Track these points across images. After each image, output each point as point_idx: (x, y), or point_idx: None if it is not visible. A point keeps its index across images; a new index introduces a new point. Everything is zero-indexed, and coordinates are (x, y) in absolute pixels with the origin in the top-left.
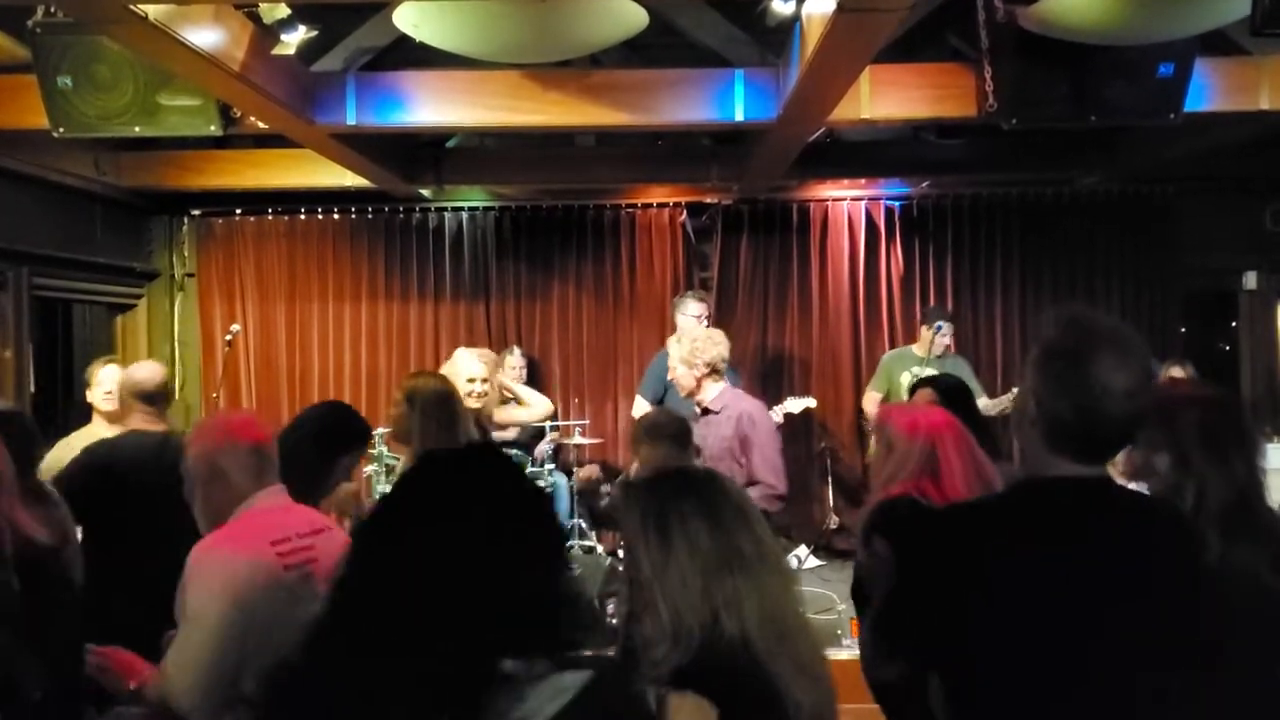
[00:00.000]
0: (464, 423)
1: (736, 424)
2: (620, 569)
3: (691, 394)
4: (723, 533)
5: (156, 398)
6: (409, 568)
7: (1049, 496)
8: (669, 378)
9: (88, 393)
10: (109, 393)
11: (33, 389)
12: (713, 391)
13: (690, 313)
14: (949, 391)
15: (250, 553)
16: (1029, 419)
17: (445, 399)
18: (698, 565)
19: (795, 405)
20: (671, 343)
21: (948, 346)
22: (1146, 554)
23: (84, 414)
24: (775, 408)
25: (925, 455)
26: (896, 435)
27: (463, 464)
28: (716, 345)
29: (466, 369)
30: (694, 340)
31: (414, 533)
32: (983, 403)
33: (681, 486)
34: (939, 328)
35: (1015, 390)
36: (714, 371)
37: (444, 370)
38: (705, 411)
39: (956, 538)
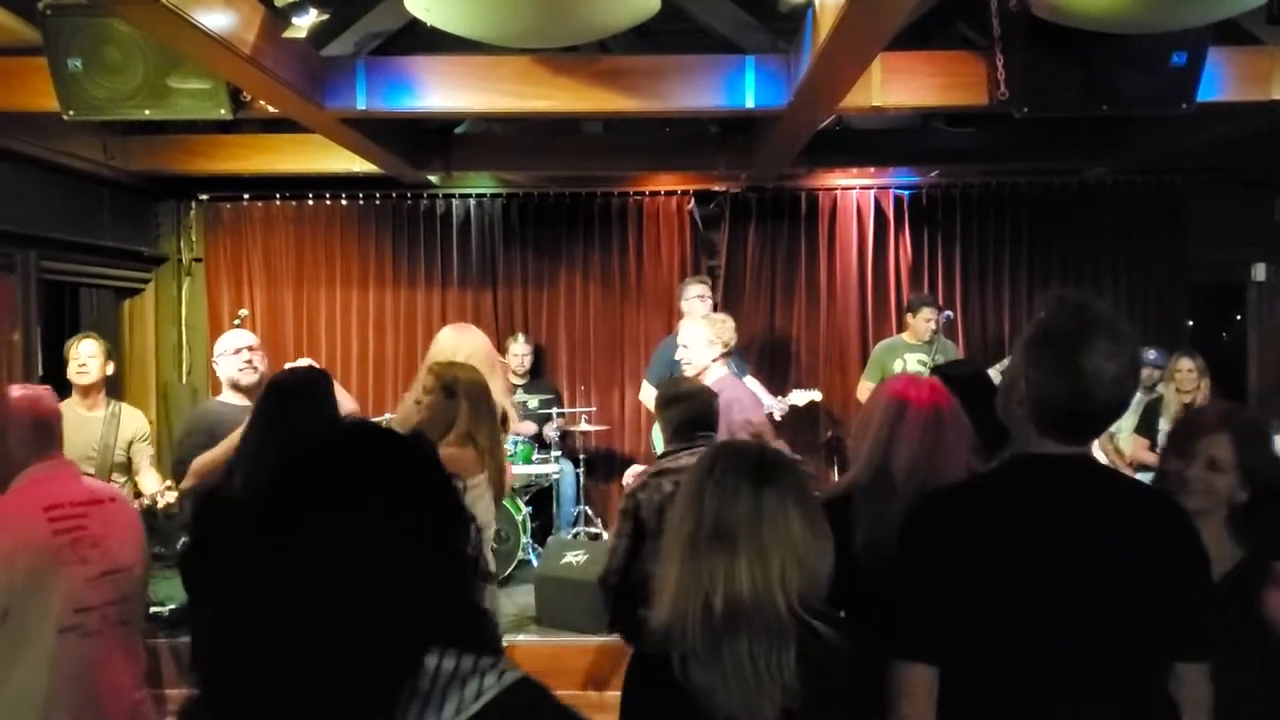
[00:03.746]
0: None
1: (727, 410)
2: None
3: (700, 374)
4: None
5: None
6: (306, 557)
7: (1038, 472)
8: (679, 357)
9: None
10: (82, 366)
11: (40, 372)
12: (716, 374)
13: (693, 294)
14: (960, 382)
15: (21, 516)
16: (1017, 399)
17: (485, 389)
18: (689, 536)
19: (801, 398)
20: (686, 324)
21: (935, 332)
22: (1135, 527)
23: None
24: (780, 398)
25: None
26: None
27: (359, 448)
28: (730, 325)
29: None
30: (722, 319)
31: (311, 519)
32: None
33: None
34: (926, 312)
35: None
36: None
37: (447, 350)
38: None
39: (954, 518)
